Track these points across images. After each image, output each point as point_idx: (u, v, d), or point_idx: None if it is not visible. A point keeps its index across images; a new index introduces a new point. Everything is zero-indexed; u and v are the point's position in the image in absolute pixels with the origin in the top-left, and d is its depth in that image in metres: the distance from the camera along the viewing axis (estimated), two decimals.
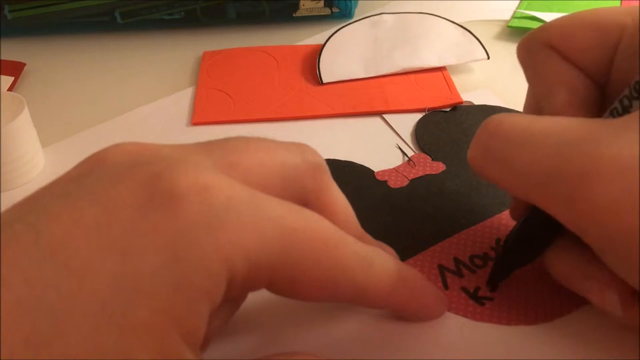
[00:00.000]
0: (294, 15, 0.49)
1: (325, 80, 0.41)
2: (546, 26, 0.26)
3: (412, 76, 0.41)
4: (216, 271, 0.17)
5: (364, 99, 0.39)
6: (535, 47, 0.26)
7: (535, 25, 0.45)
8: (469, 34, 0.44)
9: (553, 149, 0.20)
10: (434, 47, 0.43)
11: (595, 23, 0.24)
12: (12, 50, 0.47)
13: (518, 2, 0.50)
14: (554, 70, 0.25)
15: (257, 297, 0.21)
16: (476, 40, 0.43)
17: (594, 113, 0.25)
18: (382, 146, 0.35)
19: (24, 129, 0.33)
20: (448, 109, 0.38)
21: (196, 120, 0.38)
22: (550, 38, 0.25)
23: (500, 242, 0.28)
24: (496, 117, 0.22)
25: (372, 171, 0.33)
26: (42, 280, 0.15)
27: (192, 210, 0.17)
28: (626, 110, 0.22)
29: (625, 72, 0.23)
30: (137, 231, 0.16)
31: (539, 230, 0.23)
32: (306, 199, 0.22)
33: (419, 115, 0.37)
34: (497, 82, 0.41)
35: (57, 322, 0.14)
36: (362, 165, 0.33)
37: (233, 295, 0.18)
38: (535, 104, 0.26)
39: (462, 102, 0.38)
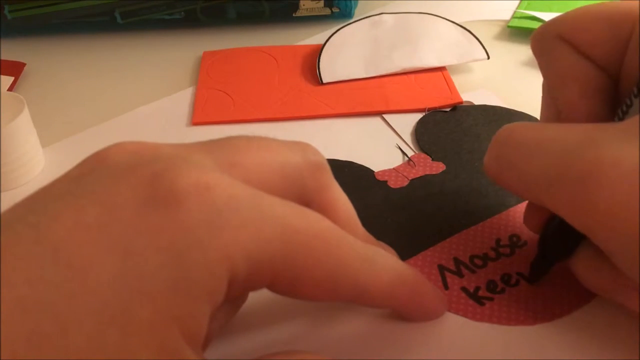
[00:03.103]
0: (294, 15, 0.49)
1: (325, 80, 0.41)
2: (559, 18, 0.25)
3: (412, 76, 0.41)
4: (217, 271, 0.17)
5: (364, 99, 0.39)
6: (548, 39, 0.25)
7: (535, 25, 0.45)
8: (469, 34, 0.44)
9: (556, 156, 0.21)
10: (434, 47, 0.43)
11: (608, 16, 0.24)
12: (12, 50, 0.46)
13: (518, 2, 0.50)
14: (566, 63, 0.25)
15: (257, 297, 0.21)
16: (476, 40, 0.43)
17: (607, 105, 0.25)
18: (382, 146, 0.35)
19: (24, 129, 0.33)
20: (448, 109, 0.38)
21: (196, 120, 0.38)
22: (563, 30, 0.25)
23: (500, 242, 0.28)
24: (507, 127, 0.23)
25: (372, 171, 0.33)
26: (44, 279, 0.15)
27: (194, 210, 0.17)
28: (629, 108, 0.22)
29: (636, 66, 0.23)
30: (138, 230, 0.16)
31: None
32: (307, 199, 0.22)
33: (419, 115, 0.37)
34: (497, 82, 0.41)
35: (59, 322, 0.14)
36: (362, 165, 0.33)
37: (234, 295, 0.18)
38: (550, 96, 0.26)
39: (462, 102, 0.38)
